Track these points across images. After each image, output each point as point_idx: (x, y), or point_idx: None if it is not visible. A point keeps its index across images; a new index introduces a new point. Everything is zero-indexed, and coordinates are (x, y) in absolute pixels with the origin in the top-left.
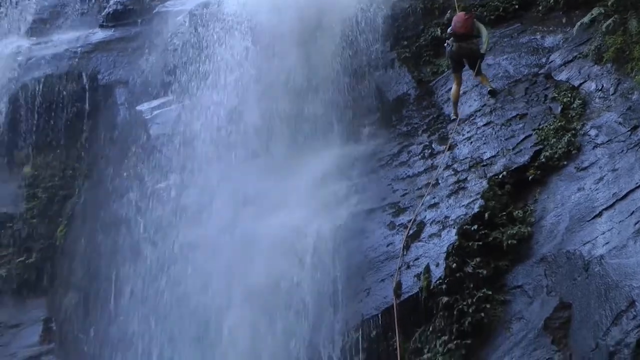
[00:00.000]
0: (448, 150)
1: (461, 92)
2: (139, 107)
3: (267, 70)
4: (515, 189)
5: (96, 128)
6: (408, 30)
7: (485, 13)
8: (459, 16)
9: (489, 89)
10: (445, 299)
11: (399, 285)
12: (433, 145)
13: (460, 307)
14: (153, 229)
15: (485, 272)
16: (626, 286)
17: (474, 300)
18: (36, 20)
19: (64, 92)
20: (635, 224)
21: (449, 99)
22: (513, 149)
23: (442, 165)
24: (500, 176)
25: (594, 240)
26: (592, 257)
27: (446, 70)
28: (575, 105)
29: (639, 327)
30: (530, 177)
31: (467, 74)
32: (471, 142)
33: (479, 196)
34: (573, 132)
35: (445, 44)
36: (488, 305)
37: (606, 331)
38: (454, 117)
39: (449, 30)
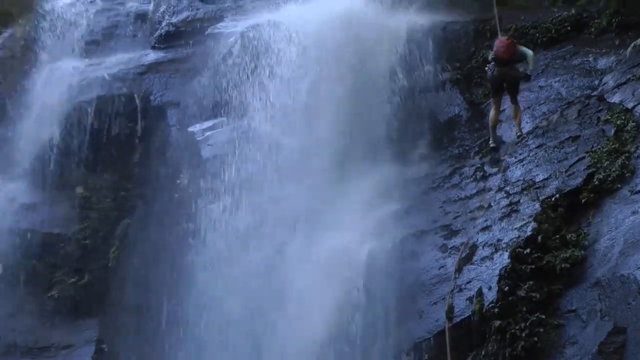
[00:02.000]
0: (500, 173)
1: (512, 114)
2: (190, 129)
3: (318, 92)
4: (569, 212)
5: (148, 149)
6: (460, 52)
7: (537, 35)
8: (501, 41)
9: (517, 131)
10: (497, 322)
11: (451, 308)
12: (485, 168)
13: (513, 331)
14: (205, 251)
15: (538, 295)
16: None
17: (527, 324)
18: (89, 42)
19: (116, 113)
20: None
21: (500, 120)
22: (566, 171)
23: (494, 188)
24: (553, 199)
25: None
26: None
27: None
28: (629, 128)
29: None
30: (583, 200)
31: (521, 96)
32: (523, 165)
33: (531, 219)
34: (627, 154)
35: (487, 68)
36: (541, 330)
37: None
38: (492, 144)
39: (490, 55)
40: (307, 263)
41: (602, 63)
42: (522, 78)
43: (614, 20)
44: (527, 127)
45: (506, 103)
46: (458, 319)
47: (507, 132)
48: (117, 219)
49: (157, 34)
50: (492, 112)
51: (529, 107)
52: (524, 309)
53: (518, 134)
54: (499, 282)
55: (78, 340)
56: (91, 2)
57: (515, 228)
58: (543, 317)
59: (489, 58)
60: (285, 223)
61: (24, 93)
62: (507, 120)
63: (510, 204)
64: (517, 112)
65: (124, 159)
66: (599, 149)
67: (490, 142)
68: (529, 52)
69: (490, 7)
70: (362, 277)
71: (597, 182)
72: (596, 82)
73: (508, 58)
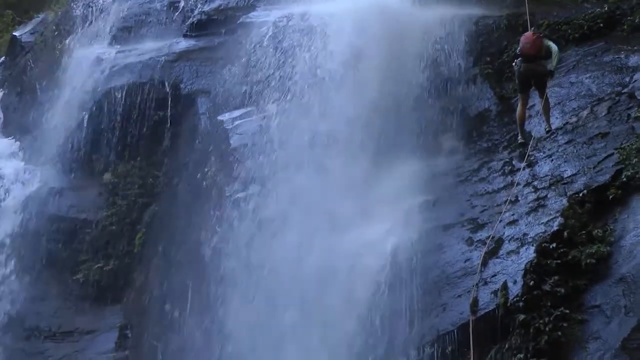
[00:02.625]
0: (528, 167)
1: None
2: (220, 117)
3: (349, 85)
4: (595, 208)
5: (177, 137)
6: (491, 46)
7: (569, 31)
8: (527, 37)
9: (547, 128)
10: (522, 316)
11: (475, 301)
12: (513, 162)
13: (537, 325)
14: (231, 239)
15: (563, 290)
16: None
17: (551, 318)
18: (121, 29)
19: (147, 101)
20: None
21: (530, 115)
22: (594, 167)
23: (522, 182)
24: (580, 194)
25: None
26: None
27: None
28: None
29: None
30: (610, 197)
31: (552, 92)
32: (552, 160)
33: (558, 214)
34: None
35: (514, 64)
36: (565, 324)
37: None
38: (521, 139)
39: (517, 50)
40: (334, 254)
41: (634, 60)
42: (546, 75)
43: None
44: (556, 122)
45: (536, 98)
46: (482, 312)
47: (537, 127)
48: (144, 206)
49: (189, 22)
50: (519, 108)
51: (559, 103)
52: (549, 304)
53: (547, 129)
54: (524, 276)
55: (102, 325)
56: None
57: (542, 223)
58: (567, 312)
59: (516, 53)
60: (313, 213)
61: (55, 78)
62: (537, 115)
63: (538, 198)
64: (547, 108)
65: (152, 146)
66: (628, 146)
67: (519, 138)
68: (554, 49)
69: (523, 2)
70: (388, 269)
71: (625, 179)
72: (627, 80)
73: (534, 54)
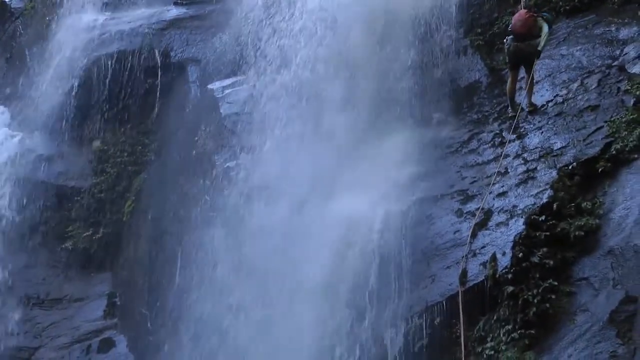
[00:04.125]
0: (518, 139)
1: (535, 81)
2: (210, 86)
3: (341, 53)
4: (585, 180)
5: (167, 105)
6: (482, 17)
7: (560, 3)
8: (520, 14)
9: (528, 106)
10: (510, 288)
11: (464, 273)
12: (503, 134)
13: (525, 297)
14: (221, 208)
15: (551, 262)
16: None
17: (540, 290)
18: None
19: (137, 68)
20: None
21: (520, 87)
22: (584, 140)
23: (511, 154)
24: (570, 167)
25: None
26: None
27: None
28: None
29: None
30: (600, 169)
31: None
32: (542, 132)
33: (548, 186)
34: None
35: (504, 40)
36: (553, 296)
37: None
38: (512, 112)
39: (509, 27)
40: (324, 223)
41: (624, 33)
42: (535, 54)
43: None
44: (547, 95)
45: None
46: (471, 284)
47: (527, 99)
48: (133, 174)
49: None
50: (509, 83)
51: (549, 75)
52: (537, 276)
53: (529, 108)
54: (513, 248)
55: (91, 293)
56: None
57: (532, 195)
58: (555, 284)
59: (509, 30)
60: (304, 182)
61: (44, 45)
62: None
63: (527, 170)
64: (531, 86)
65: (142, 114)
66: (618, 119)
67: (509, 110)
68: (545, 29)
69: None
70: (377, 239)
71: (614, 152)
72: (617, 52)
73: (525, 33)
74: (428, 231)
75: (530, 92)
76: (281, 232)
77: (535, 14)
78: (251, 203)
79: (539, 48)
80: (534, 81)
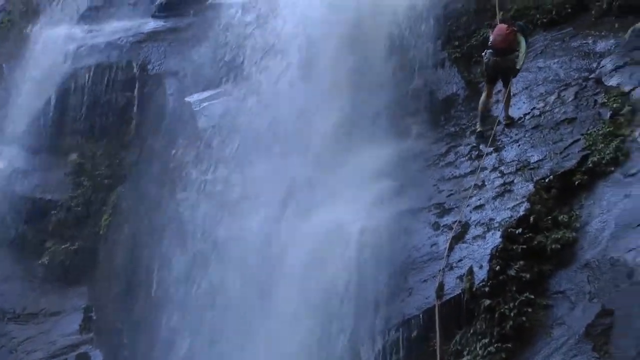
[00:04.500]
0: (495, 152)
1: (512, 94)
2: (188, 99)
3: (318, 66)
4: (561, 193)
5: (145, 118)
6: (459, 30)
7: (537, 16)
8: (500, 29)
9: (505, 119)
10: (487, 301)
11: (441, 286)
12: (480, 147)
13: (502, 310)
14: (198, 220)
15: (528, 276)
16: None
17: (516, 303)
18: (89, 8)
19: (114, 81)
20: None
21: (497, 100)
22: (560, 153)
23: (488, 167)
24: (546, 180)
25: (639, 247)
26: (636, 265)
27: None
28: (625, 111)
29: None
30: (576, 182)
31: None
32: (519, 145)
33: (524, 199)
34: (622, 138)
35: (483, 54)
36: (530, 310)
37: None
38: (480, 128)
39: (489, 42)
40: (300, 237)
41: (601, 46)
42: (513, 71)
43: (614, 3)
44: (524, 107)
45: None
46: (448, 297)
47: (504, 112)
48: (110, 187)
49: (157, 2)
50: (483, 96)
51: (526, 88)
52: (514, 289)
53: (506, 121)
54: (490, 261)
55: (67, 307)
56: None
57: (508, 208)
58: (532, 297)
59: (488, 44)
60: (281, 195)
61: (22, 58)
62: (503, 100)
63: (504, 183)
64: (508, 100)
65: (120, 127)
66: (595, 131)
67: (478, 126)
68: (523, 44)
69: None
70: (354, 253)
71: (591, 165)
72: (594, 65)
73: (506, 47)
74: (405, 244)
75: (507, 105)
76: (257, 245)
77: (515, 29)
78: (227, 216)
79: (517, 67)
80: (512, 94)
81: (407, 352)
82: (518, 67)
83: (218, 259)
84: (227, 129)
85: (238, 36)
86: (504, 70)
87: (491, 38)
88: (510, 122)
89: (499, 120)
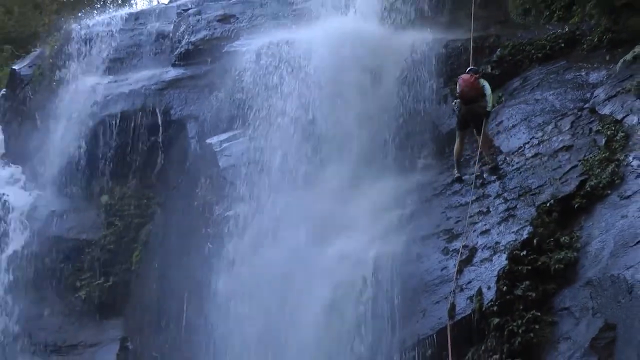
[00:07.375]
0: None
1: (510, 125)
2: (208, 140)
3: (331, 105)
4: (562, 216)
5: (169, 160)
6: (460, 67)
7: (532, 51)
8: (465, 80)
9: (491, 164)
10: (496, 320)
11: (452, 307)
12: (484, 175)
13: (510, 327)
14: (222, 255)
15: (534, 294)
16: None
17: (524, 321)
18: (113, 60)
19: (139, 127)
20: None
21: (499, 131)
22: (560, 178)
23: (492, 194)
24: (547, 204)
25: (637, 264)
26: (635, 281)
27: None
28: (618, 138)
29: None
30: (576, 205)
31: (518, 108)
32: (520, 173)
33: (527, 223)
34: (617, 162)
35: (454, 103)
36: (537, 326)
37: None
38: (457, 174)
39: (457, 92)
40: (320, 265)
41: (594, 77)
42: (484, 115)
43: (604, 37)
44: (523, 137)
45: (504, 114)
46: (459, 317)
47: (505, 142)
48: (139, 225)
49: (177, 52)
50: (457, 143)
51: (525, 119)
52: (521, 307)
53: (491, 165)
54: (497, 282)
55: (104, 338)
56: (116, 23)
57: (513, 232)
58: (538, 314)
59: (457, 94)
60: (299, 228)
61: (53, 108)
62: (504, 131)
63: (508, 209)
64: (485, 144)
65: (146, 169)
66: (591, 157)
67: (455, 172)
68: (488, 90)
69: (488, 25)
70: (370, 278)
71: (588, 189)
72: (588, 95)
73: (474, 95)
74: (417, 269)
75: (486, 148)
76: (281, 274)
77: (476, 76)
78: (250, 249)
79: (488, 109)
80: (512, 125)
81: None
82: (489, 110)
83: (244, 290)
84: (246, 167)
85: (252, 81)
86: (476, 116)
87: (458, 89)
88: (495, 166)
89: (501, 150)
